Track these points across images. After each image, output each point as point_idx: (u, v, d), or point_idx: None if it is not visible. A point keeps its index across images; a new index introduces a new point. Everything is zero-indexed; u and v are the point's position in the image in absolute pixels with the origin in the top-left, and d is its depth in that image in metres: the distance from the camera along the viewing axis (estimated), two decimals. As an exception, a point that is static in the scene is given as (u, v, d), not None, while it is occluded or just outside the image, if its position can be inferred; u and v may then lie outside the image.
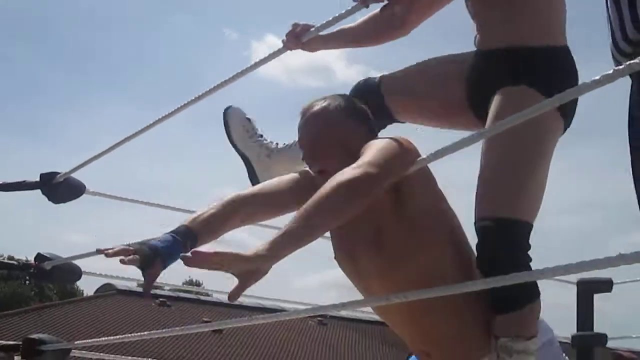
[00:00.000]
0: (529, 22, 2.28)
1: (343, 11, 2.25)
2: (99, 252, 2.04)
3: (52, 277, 3.72)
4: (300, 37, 2.49)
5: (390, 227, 2.08)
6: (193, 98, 2.93)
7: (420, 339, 2.22)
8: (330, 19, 2.30)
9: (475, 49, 2.43)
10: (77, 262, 3.77)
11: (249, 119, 2.81)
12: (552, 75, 2.24)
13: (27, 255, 3.87)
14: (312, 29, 2.45)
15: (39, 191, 3.65)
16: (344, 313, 18.23)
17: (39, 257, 3.66)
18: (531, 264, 2.09)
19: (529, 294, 2.12)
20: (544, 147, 2.19)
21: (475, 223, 2.12)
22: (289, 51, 2.56)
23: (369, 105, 2.28)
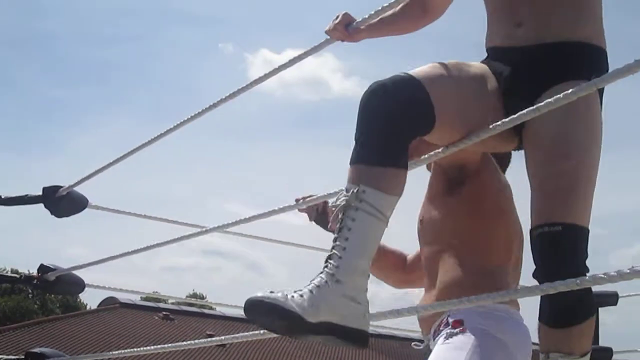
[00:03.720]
0: (591, 22, 2.23)
1: (386, 4, 2.28)
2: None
3: (55, 288, 3.72)
4: (348, 27, 2.45)
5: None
6: (201, 110, 2.97)
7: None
8: (373, 12, 2.33)
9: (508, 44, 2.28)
10: (80, 274, 3.77)
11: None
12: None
13: (30, 269, 3.87)
14: (356, 22, 2.42)
15: (41, 205, 3.65)
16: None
17: (43, 269, 3.67)
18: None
19: (589, 309, 2.02)
20: (600, 150, 2.12)
21: (537, 228, 1.99)
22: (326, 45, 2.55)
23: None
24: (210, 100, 2.92)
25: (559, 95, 1.74)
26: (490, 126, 2.03)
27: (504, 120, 1.97)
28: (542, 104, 1.80)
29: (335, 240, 1.89)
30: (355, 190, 1.90)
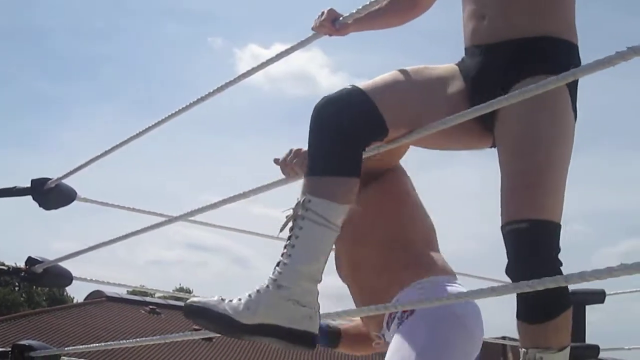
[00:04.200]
0: (559, 16, 2.22)
1: (374, 0, 2.27)
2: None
3: (43, 280, 3.70)
4: (334, 23, 2.44)
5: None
6: (189, 103, 2.96)
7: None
8: (361, 7, 2.31)
9: (471, 44, 2.31)
10: (67, 267, 3.75)
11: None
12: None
13: (16, 262, 3.85)
14: (343, 17, 2.41)
15: (27, 198, 3.64)
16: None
17: (30, 261, 3.65)
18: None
19: (565, 302, 2.02)
20: (572, 145, 2.13)
21: (506, 225, 2.01)
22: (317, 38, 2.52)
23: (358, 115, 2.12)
24: (199, 95, 2.92)
25: (525, 89, 1.74)
26: (446, 118, 2.03)
27: (464, 111, 1.97)
28: (498, 99, 1.80)
29: (284, 247, 1.97)
30: (302, 200, 1.99)
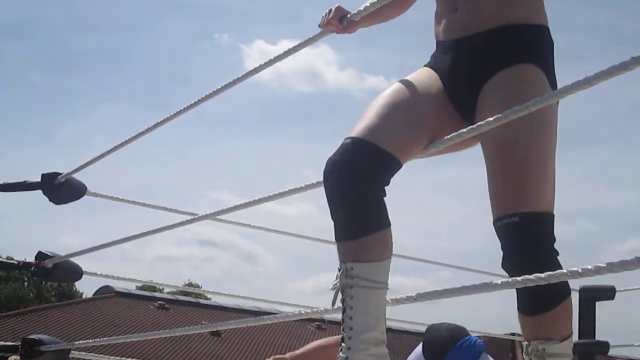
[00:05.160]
0: (527, 2, 2.23)
1: None
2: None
3: (53, 275, 3.71)
4: (342, 20, 2.43)
5: None
6: (197, 100, 2.97)
7: None
8: (369, 4, 2.29)
9: (442, 40, 2.32)
10: (77, 261, 3.76)
11: None
12: (549, 54, 2.24)
13: (25, 257, 3.85)
14: (350, 14, 2.40)
15: (36, 192, 3.65)
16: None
17: (40, 256, 3.66)
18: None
19: (563, 291, 2.03)
20: (555, 131, 2.14)
21: (497, 221, 2.03)
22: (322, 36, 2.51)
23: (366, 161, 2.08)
24: (206, 90, 2.93)
25: (536, 100, 1.71)
26: (448, 136, 2.04)
27: (469, 127, 1.96)
28: (510, 111, 1.78)
29: (342, 321, 1.98)
30: (345, 270, 1.99)
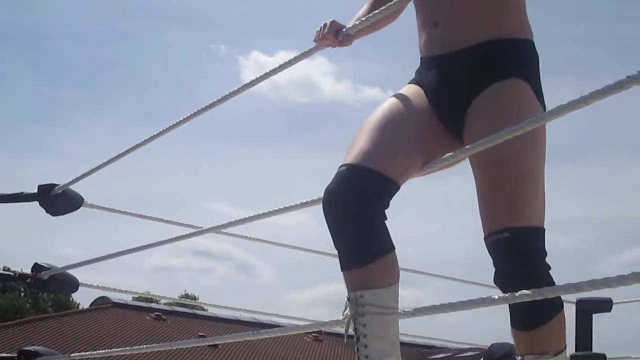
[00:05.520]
0: (512, 16, 2.22)
1: (377, 11, 2.27)
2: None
3: (49, 287, 3.71)
4: (337, 35, 2.44)
5: None
6: (195, 112, 2.99)
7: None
8: (364, 18, 2.32)
9: (428, 55, 2.32)
10: (73, 273, 3.76)
11: None
12: (535, 68, 2.23)
13: (21, 267, 3.85)
14: (345, 29, 2.42)
15: (34, 203, 3.64)
16: (339, 329, 18.21)
17: (37, 267, 3.66)
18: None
19: (557, 305, 2.03)
20: (544, 146, 2.13)
21: (488, 237, 2.03)
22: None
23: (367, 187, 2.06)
24: (203, 102, 2.94)
25: (531, 120, 1.73)
26: (444, 156, 2.06)
27: (465, 148, 1.99)
28: (505, 131, 1.77)
29: (357, 350, 1.97)
30: (354, 298, 1.98)
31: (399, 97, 2.29)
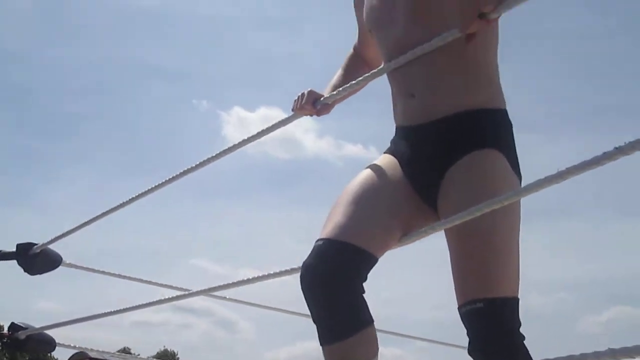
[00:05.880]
0: (485, 86, 2.23)
1: (354, 81, 2.33)
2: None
3: (26, 347, 3.67)
4: (315, 104, 2.46)
5: None
6: (179, 173, 2.99)
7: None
8: (341, 89, 2.37)
9: (402, 125, 2.33)
10: (51, 332, 3.73)
11: None
12: (509, 137, 2.24)
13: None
14: (323, 98, 2.45)
15: (12, 261, 3.62)
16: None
17: (13, 327, 3.63)
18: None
19: None
20: (519, 215, 2.12)
21: (461, 307, 2.01)
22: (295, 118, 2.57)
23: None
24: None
25: (509, 194, 1.76)
26: (422, 229, 2.08)
27: (442, 221, 2.01)
28: (483, 204, 1.79)
29: None
30: None
31: (375, 168, 2.29)
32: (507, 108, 2.29)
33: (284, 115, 2.60)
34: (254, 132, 2.69)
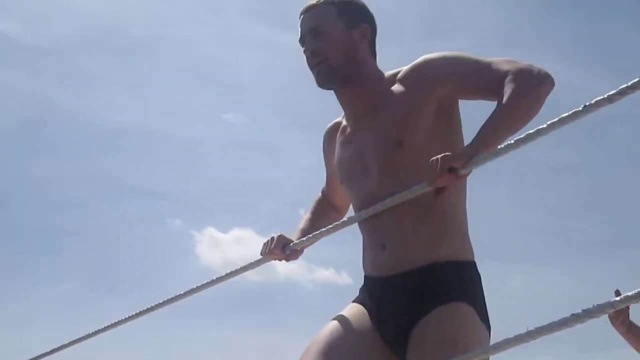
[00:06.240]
0: (454, 239, 2.24)
1: (324, 229, 2.39)
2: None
3: None
4: (285, 249, 2.50)
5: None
6: (155, 304, 2.96)
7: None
8: (311, 236, 2.44)
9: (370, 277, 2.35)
10: None
11: None
12: (478, 289, 2.24)
13: None
14: (292, 243, 2.49)
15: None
16: None
17: None
18: None
19: None
20: None
21: None
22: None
23: None
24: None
25: (479, 350, 1.79)
26: None
27: None
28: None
29: None
30: None
31: (344, 319, 2.31)
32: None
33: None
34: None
